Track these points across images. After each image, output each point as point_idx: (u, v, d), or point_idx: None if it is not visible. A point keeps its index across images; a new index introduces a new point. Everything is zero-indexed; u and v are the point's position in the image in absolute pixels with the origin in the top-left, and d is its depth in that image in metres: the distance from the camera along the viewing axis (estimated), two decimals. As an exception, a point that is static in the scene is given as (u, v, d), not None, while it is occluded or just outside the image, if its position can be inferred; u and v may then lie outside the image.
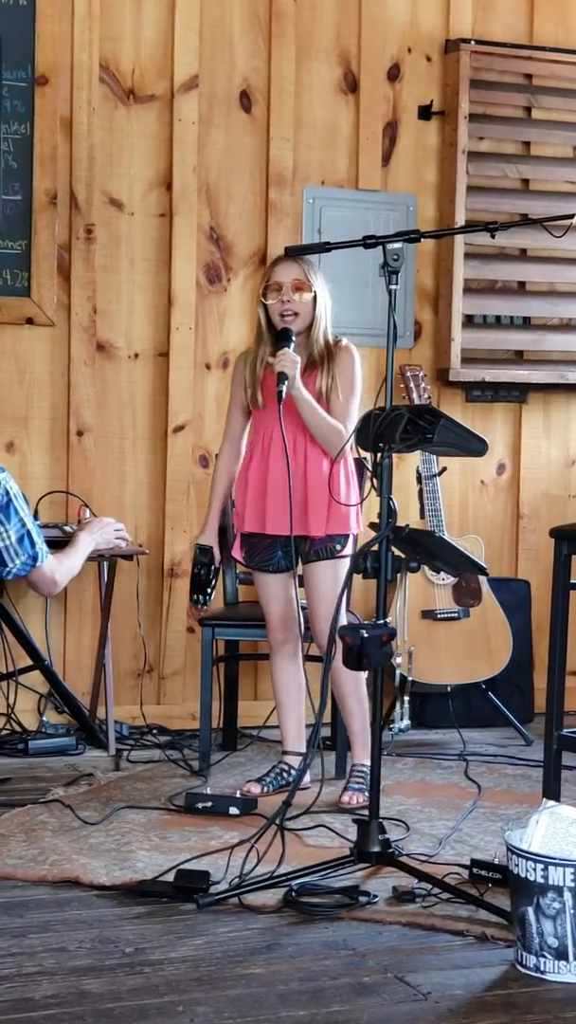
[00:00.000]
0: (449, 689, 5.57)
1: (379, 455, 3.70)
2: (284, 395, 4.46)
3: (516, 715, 5.69)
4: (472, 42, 5.91)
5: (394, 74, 5.92)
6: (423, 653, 5.49)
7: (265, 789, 4.65)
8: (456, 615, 5.58)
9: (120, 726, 5.31)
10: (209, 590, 4.75)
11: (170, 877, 3.67)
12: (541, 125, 6.10)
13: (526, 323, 6.11)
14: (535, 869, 3.23)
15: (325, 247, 3.86)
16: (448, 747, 5.46)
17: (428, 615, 5.55)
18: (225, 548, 4.83)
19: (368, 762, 4.60)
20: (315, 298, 4.55)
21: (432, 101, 5.94)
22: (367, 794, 4.51)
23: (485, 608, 5.62)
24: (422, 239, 3.80)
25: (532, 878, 3.23)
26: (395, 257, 3.72)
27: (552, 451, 6.21)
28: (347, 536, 4.61)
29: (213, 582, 4.76)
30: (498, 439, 6.10)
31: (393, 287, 3.74)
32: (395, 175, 5.93)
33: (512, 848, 3.29)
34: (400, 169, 5.93)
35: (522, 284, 6.11)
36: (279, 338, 4.58)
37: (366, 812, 3.81)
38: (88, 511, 5.23)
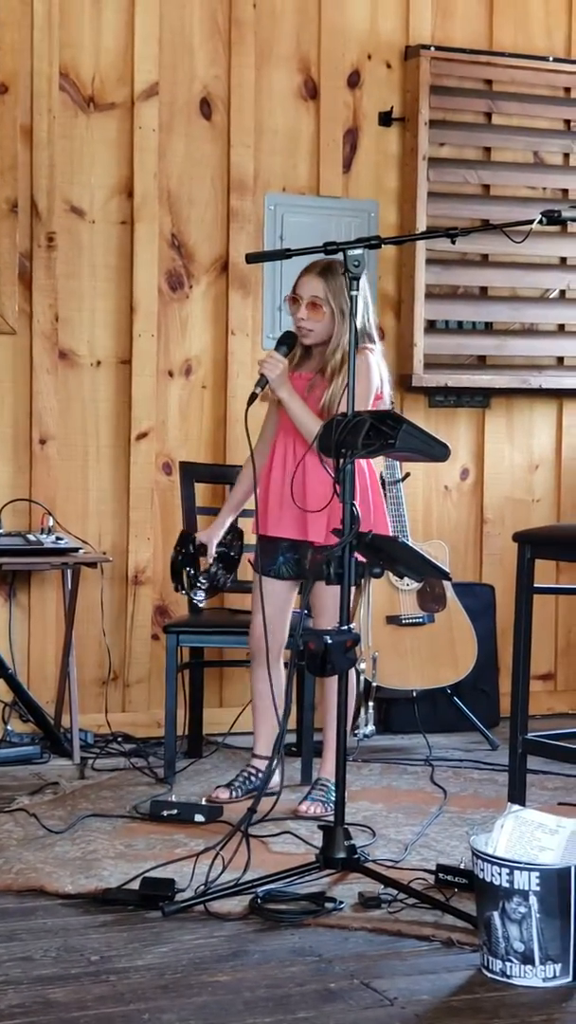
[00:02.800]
0: (415, 694, 5.57)
1: (341, 461, 3.70)
2: (256, 397, 4.48)
3: (482, 719, 5.70)
4: (432, 48, 5.93)
5: (354, 81, 5.93)
6: (388, 658, 5.49)
7: (233, 794, 4.65)
8: (421, 620, 5.58)
9: (85, 734, 5.29)
10: (186, 579, 4.71)
11: (135, 885, 3.66)
12: (501, 131, 6.12)
13: (488, 328, 6.13)
14: (500, 873, 3.23)
15: (286, 254, 3.86)
16: (414, 752, 5.46)
17: (393, 620, 5.55)
18: (232, 549, 4.81)
19: (334, 780, 4.62)
20: (333, 317, 4.50)
21: (392, 107, 5.95)
22: (326, 806, 4.52)
23: (450, 613, 5.63)
24: (383, 245, 3.81)
25: (497, 882, 3.24)
26: (356, 263, 3.73)
27: (515, 456, 6.23)
28: None
29: (191, 571, 4.73)
30: (461, 444, 6.12)
31: (354, 292, 3.75)
32: (356, 182, 5.94)
33: (477, 853, 3.30)
34: (361, 176, 5.94)
35: (484, 289, 6.12)
36: (278, 341, 4.59)
37: (331, 818, 3.81)
38: (51, 519, 5.21)
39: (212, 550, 4.76)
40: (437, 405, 6.07)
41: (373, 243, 3.76)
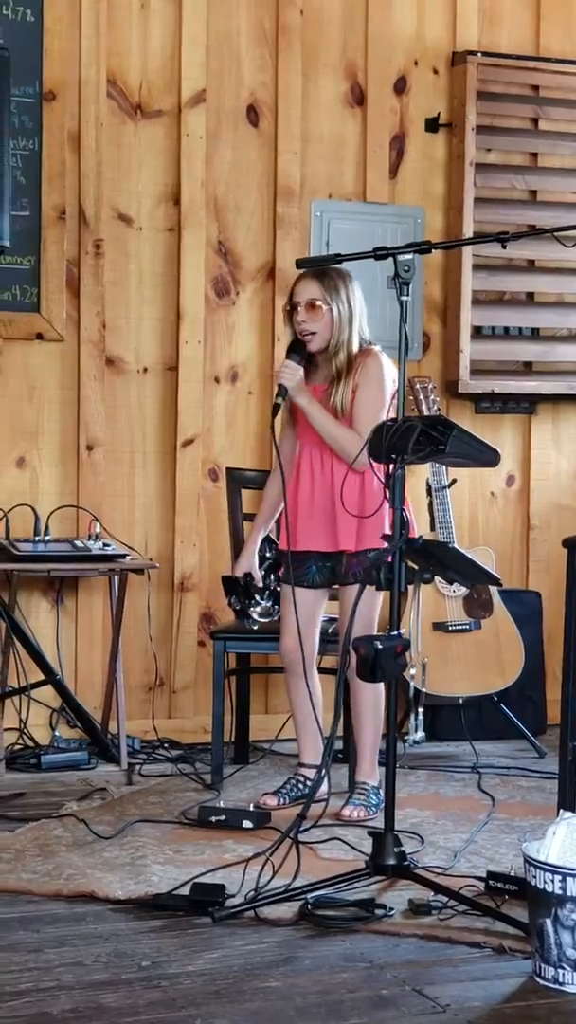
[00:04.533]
0: (461, 701, 5.55)
1: (392, 466, 3.69)
2: (279, 408, 4.49)
3: (529, 727, 5.68)
4: (479, 54, 5.92)
5: (401, 87, 5.92)
6: (435, 665, 5.48)
7: (281, 801, 4.64)
8: (468, 627, 5.57)
9: (132, 740, 5.30)
10: (255, 612, 4.73)
11: (185, 891, 3.66)
12: (548, 136, 6.10)
13: (535, 334, 6.11)
14: (553, 880, 3.21)
15: (336, 258, 3.86)
16: (461, 760, 5.44)
17: (440, 627, 5.54)
18: (272, 555, 4.80)
19: (373, 782, 4.62)
20: (332, 314, 4.53)
21: (439, 113, 5.95)
22: (368, 810, 4.52)
23: (497, 620, 5.61)
24: (432, 250, 3.80)
25: (550, 889, 3.22)
26: (406, 268, 3.72)
27: (562, 462, 6.20)
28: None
29: (253, 601, 4.73)
30: (507, 450, 6.10)
31: (404, 298, 3.74)
32: (402, 188, 5.93)
33: (530, 859, 3.28)
34: (407, 182, 5.94)
35: (531, 295, 6.11)
36: (288, 350, 4.59)
37: (379, 824, 3.80)
38: (98, 525, 5.22)
39: (258, 573, 4.75)
40: (483, 411, 6.05)
41: (423, 248, 3.75)
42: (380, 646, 3.57)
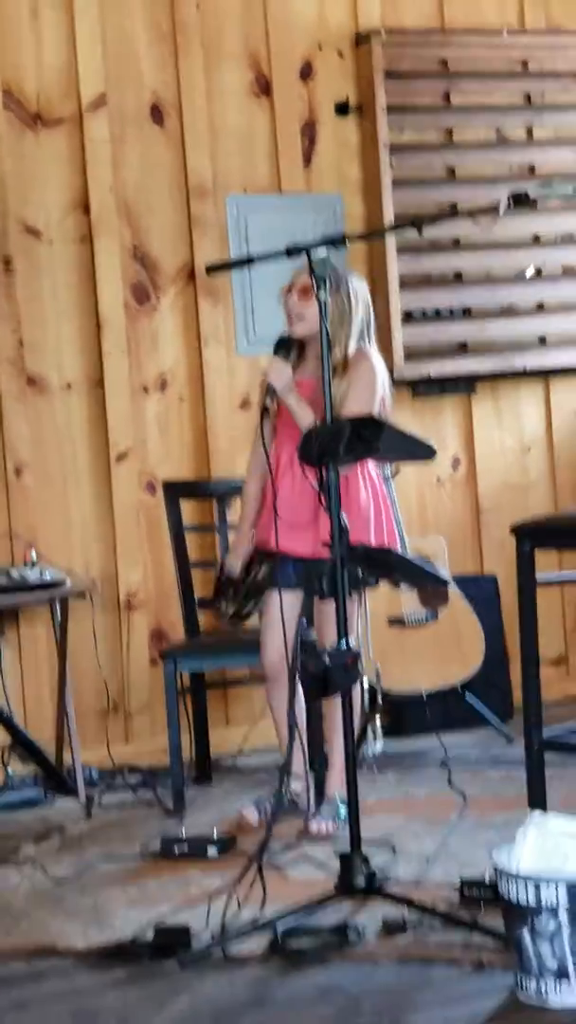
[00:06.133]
0: (425, 697, 5.41)
1: (324, 470, 3.55)
2: (268, 411, 4.35)
3: (496, 711, 5.57)
4: (383, 33, 5.76)
5: (306, 72, 5.76)
6: (394, 661, 5.34)
7: (262, 814, 4.50)
8: (425, 619, 5.43)
9: (88, 770, 5.13)
10: (228, 599, 4.57)
11: (150, 935, 3.50)
12: (461, 111, 5.96)
13: (466, 313, 5.96)
14: (527, 890, 3.08)
15: (248, 261, 3.70)
16: (429, 755, 5.31)
17: (396, 622, 5.40)
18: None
19: (343, 794, 4.46)
20: (322, 307, 4.28)
21: (348, 97, 5.79)
22: (336, 822, 4.37)
23: (454, 608, 5.47)
24: (347, 242, 3.65)
25: (524, 901, 3.09)
26: (321, 264, 3.57)
27: (506, 439, 6.08)
28: None
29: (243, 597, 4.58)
30: (450, 433, 5.97)
31: (322, 294, 3.59)
32: (318, 176, 5.78)
33: (501, 871, 3.15)
34: (322, 169, 5.78)
35: (458, 274, 5.96)
36: (275, 347, 4.44)
37: (342, 834, 3.66)
38: (34, 552, 5.06)
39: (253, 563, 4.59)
40: (421, 395, 5.91)
41: (337, 241, 3.60)
42: (329, 661, 3.44)
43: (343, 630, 3.51)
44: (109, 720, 5.37)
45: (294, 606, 4.48)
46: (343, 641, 3.49)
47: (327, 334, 3.60)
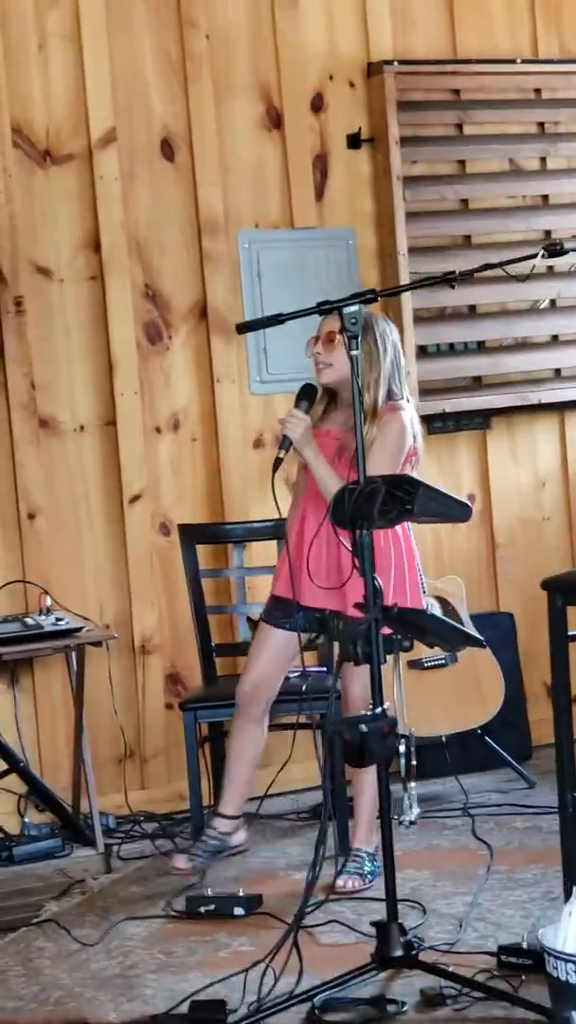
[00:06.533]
0: (444, 740, 5.33)
1: (358, 533, 3.47)
2: (281, 462, 4.21)
3: (513, 754, 5.48)
4: (395, 63, 5.68)
5: (318, 104, 5.68)
6: (414, 704, 5.24)
7: (194, 863, 4.46)
8: (444, 661, 5.35)
9: (106, 818, 5.04)
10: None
11: (183, 1008, 3.42)
12: (474, 141, 5.88)
13: (481, 347, 5.89)
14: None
15: (278, 319, 3.61)
16: (450, 799, 5.23)
17: (415, 665, 5.32)
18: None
19: (369, 848, 4.41)
20: (351, 355, 4.14)
21: (360, 128, 5.70)
22: (364, 879, 4.30)
23: (473, 650, 5.38)
24: (378, 298, 3.58)
25: (574, 980, 3.01)
26: (353, 321, 3.49)
27: (521, 475, 5.99)
28: None
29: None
30: (465, 469, 5.89)
31: (355, 352, 3.50)
32: (330, 209, 5.69)
33: (549, 951, 3.07)
34: (335, 202, 5.69)
35: (472, 308, 5.88)
36: (297, 397, 4.35)
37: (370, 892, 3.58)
38: (48, 598, 4.97)
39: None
40: (436, 431, 5.82)
41: (368, 298, 3.52)
42: (365, 729, 3.35)
43: (379, 698, 3.42)
44: (125, 766, 5.26)
45: (291, 644, 4.41)
46: (379, 709, 3.40)
47: (359, 391, 3.50)
